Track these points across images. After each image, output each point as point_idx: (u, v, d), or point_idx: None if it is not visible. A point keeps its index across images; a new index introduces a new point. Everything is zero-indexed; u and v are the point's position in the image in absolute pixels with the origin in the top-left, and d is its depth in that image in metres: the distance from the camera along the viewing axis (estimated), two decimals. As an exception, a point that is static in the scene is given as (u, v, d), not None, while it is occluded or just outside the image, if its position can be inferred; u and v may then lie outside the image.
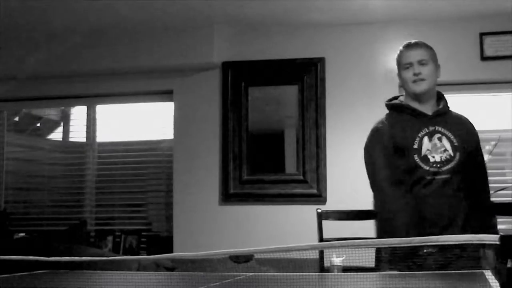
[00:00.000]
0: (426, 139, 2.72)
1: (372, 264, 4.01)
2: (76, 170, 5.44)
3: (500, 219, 3.73)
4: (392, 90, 4.76)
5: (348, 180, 4.72)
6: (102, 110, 5.49)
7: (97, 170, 5.40)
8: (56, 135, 5.87)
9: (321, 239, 4.19)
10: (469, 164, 2.78)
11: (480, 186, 2.87)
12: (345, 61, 4.82)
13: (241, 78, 4.91)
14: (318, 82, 4.80)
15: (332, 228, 4.28)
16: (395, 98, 2.97)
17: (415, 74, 2.75)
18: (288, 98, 4.85)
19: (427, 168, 2.68)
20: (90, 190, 5.37)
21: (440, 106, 2.86)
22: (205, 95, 4.96)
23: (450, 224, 2.65)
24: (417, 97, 2.79)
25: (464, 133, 2.83)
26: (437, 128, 2.76)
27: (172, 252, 4.63)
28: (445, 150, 2.72)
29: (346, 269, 3.54)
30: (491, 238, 1.50)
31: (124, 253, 5.02)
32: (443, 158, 2.70)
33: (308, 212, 4.40)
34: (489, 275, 1.82)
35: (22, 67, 5.16)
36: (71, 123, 5.75)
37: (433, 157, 2.69)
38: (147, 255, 4.96)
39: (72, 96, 5.36)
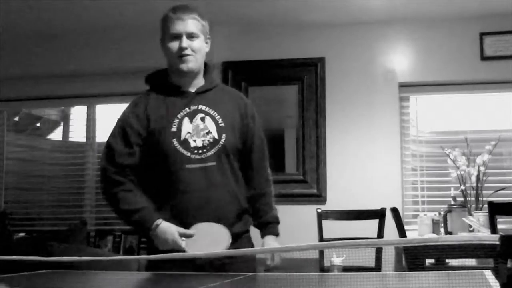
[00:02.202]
0: (186, 120, 2.36)
1: (372, 264, 4.02)
2: (76, 170, 5.44)
3: (500, 219, 3.74)
4: (392, 90, 4.77)
5: (348, 180, 4.72)
6: (102, 110, 5.49)
7: (97, 170, 5.39)
8: (56, 135, 5.87)
9: (321, 239, 4.19)
10: (241, 147, 2.43)
11: (253, 173, 2.48)
12: (345, 61, 4.82)
13: (241, 78, 4.91)
14: (318, 82, 4.80)
15: (332, 228, 4.28)
16: (159, 72, 2.63)
17: (181, 49, 2.42)
18: (288, 98, 4.86)
19: (188, 154, 2.30)
20: (90, 190, 5.37)
21: (206, 82, 2.51)
22: (205, 95, 4.95)
23: (219, 219, 2.25)
24: (182, 74, 2.44)
25: (234, 111, 2.46)
26: (200, 107, 2.39)
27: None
28: (209, 132, 2.35)
29: (346, 269, 3.54)
30: (491, 238, 1.49)
31: (124, 253, 5.02)
32: (206, 142, 2.33)
33: (308, 212, 4.40)
34: (489, 275, 1.82)
35: (22, 67, 5.16)
36: (71, 123, 5.75)
37: (194, 141, 2.33)
38: (147, 255, 4.95)
39: (72, 96, 5.36)
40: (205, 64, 2.58)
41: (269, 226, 2.42)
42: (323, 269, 3.97)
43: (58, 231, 5.04)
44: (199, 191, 2.28)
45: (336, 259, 3.54)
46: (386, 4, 4.48)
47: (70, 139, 5.74)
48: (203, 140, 2.33)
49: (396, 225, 3.87)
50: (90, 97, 5.34)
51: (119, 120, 2.53)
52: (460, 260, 3.91)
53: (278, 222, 2.45)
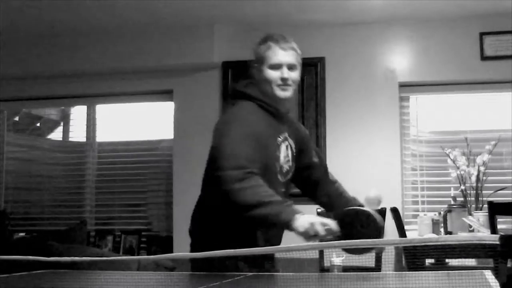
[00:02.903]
0: (283, 146, 2.40)
1: (372, 264, 4.02)
2: (76, 170, 5.44)
3: (500, 219, 3.73)
4: (392, 90, 4.77)
5: (348, 180, 4.69)
6: (102, 110, 5.49)
7: (97, 170, 5.40)
8: (56, 135, 5.87)
9: (321, 239, 4.19)
10: (301, 170, 2.52)
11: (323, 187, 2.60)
12: (345, 61, 4.82)
13: (241, 78, 4.88)
14: (318, 81, 4.80)
15: (332, 228, 4.27)
16: (252, 83, 2.49)
17: (283, 80, 2.39)
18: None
19: (281, 179, 2.39)
20: (90, 190, 5.37)
21: (287, 109, 2.50)
22: (205, 95, 4.96)
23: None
24: (279, 101, 2.40)
25: (298, 135, 2.53)
26: (286, 135, 2.44)
27: (172, 252, 4.62)
28: (289, 160, 2.43)
29: (346, 269, 3.54)
30: (491, 238, 1.49)
31: (124, 253, 5.02)
32: (286, 168, 2.42)
33: (308, 211, 4.39)
34: (489, 275, 1.82)
35: (22, 67, 5.16)
36: (71, 123, 5.75)
37: (284, 167, 2.40)
38: (147, 255, 4.96)
39: (72, 96, 5.36)
40: None
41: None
42: (323, 269, 3.97)
43: (58, 231, 5.04)
44: None
45: (336, 259, 3.54)
46: (386, 4, 4.48)
47: (70, 139, 5.74)
48: (286, 167, 2.41)
49: (396, 225, 3.87)
50: (90, 97, 5.35)
51: (238, 125, 2.34)
52: (460, 260, 3.91)
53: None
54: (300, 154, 2.51)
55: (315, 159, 2.59)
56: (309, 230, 2.08)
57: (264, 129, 2.32)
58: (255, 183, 2.14)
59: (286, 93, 2.40)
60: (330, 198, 2.58)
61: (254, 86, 2.45)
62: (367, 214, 2.12)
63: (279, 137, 2.38)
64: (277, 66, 2.41)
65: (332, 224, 2.12)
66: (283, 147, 2.38)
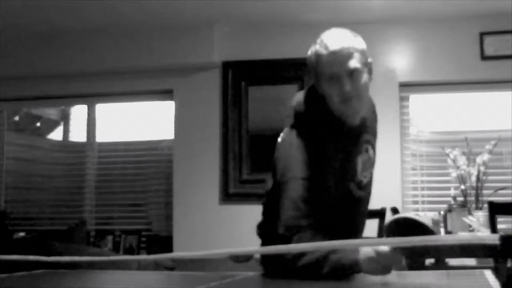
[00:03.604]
0: (359, 157, 2.10)
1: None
2: (76, 169, 5.44)
3: (500, 219, 3.73)
4: (392, 89, 4.77)
5: (348, 180, 4.71)
6: (102, 110, 5.49)
7: (97, 169, 5.40)
8: (56, 134, 5.87)
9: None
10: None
11: None
12: (345, 61, 4.81)
13: (241, 78, 4.91)
14: (318, 81, 4.80)
15: (332, 227, 4.27)
16: (310, 97, 2.11)
17: (344, 93, 1.94)
18: (288, 98, 4.77)
19: (361, 193, 2.13)
20: (90, 189, 5.37)
21: (364, 110, 2.11)
22: (205, 95, 4.96)
23: None
24: (344, 118, 2.02)
25: (375, 129, 2.28)
26: (365, 137, 2.14)
27: (172, 251, 4.62)
28: (372, 163, 2.20)
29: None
30: (491, 238, 1.49)
31: (124, 253, 5.02)
32: (369, 174, 2.18)
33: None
34: (489, 274, 1.82)
35: (22, 67, 5.16)
36: (71, 122, 5.75)
37: (365, 176, 2.13)
38: (147, 254, 4.96)
39: (72, 95, 5.36)
40: None
41: None
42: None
43: (58, 230, 5.04)
44: (360, 219, 2.17)
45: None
46: (386, 4, 4.48)
47: (70, 139, 5.75)
48: (368, 173, 2.16)
49: (396, 225, 3.87)
50: (90, 97, 5.34)
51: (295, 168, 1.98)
52: (460, 259, 3.91)
53: None
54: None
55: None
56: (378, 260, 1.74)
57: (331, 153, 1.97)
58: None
59: (354, 111, 1.99)
60: None
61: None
62: (418, 224, 1.88)
63: (353, 151, 2.06)
64: (334, 78, 1.95)
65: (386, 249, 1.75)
66: (359, 160, 2.08)
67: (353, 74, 1.93)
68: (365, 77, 1.99)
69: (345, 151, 2.02)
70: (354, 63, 1.93)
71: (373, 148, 2.19)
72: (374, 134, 2.22)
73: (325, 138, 1.98)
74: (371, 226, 4.19)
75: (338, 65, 1.92)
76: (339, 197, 1.97)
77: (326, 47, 1.96)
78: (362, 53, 1.98)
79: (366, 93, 2.06)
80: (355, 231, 2.13)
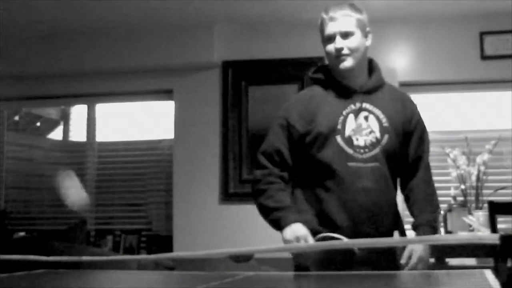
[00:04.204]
0: (351, 117, 2.34)
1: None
2: (76, 169, 5.40)
3: (500, 219, 3.74)
4: (392, 89, 4.76)
5: (348, 180, 4.71)
6: (102, 109, 5.49)
7: (97, 169, 5.40)
8: (56, 134, 5.87)
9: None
10: (403, 149, 2.40)
11: (414, 180, 2.48)
12: (345, 60, 4.81)
13: (241, 77, 4.90)
14: (318, 81, 4.80)
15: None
16: (321, 68, 2.52)
17: (337, 50, 2.35)
18: (288, 97, 4.84)
19: (351, 152, 2.29)
20: (90, 189, 5.36)
21: (371, 80, 2.46)
22: (205, 94, 4.96)
23: (376, 226, 2.31)
24: (341, 73, 2.39)
25: (399, 113, 2.41)
26: (364, 105, 2.36)
27: (172, 251, 4.62)
28: (371, 131, 2.34)
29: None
30: (491, 238, 1.49)
31: (124, 253, 5.02)
32: (368, 141, 2.31)
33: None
34: (489, 274, 1.82)
35: (22, 66, 5.16)
36: (71, 122, 5.75)
37: (357, 139, 2.31)
38: (147, 254, 4.96)
39: (72, 95, 5.35)
40: (371, 62, 2.57)
41: (419, 229, 2.42)
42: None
43: (58, 230, 5.04)
44: (361, 193, 2.29)
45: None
46: (386, 3, 4.48)
47: (70, 139, 5.74)
48: (365, 139, 2.32)
49: (396, 225, 3.87)
50: (90, 97, 5.34)
51: (280, 117, 2.47)
52: (460, 259, 3.91)
53: (432, 226, 2.40)
54: (406, 135, 2.41)
55: (411, 150, 2.44)
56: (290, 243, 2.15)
57: (314, 106, 2.36)
58: (274, 187, 2.30)
59: (344, 64, 2.36)
60: (408, 199, 2.57)
61: (321, 68, 2.49)
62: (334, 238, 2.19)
63: (345, 109, 2.34)
64: (330, 38, 2.38)
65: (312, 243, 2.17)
66: (350, 119, 2.33)
67: (346, 35, 2.36)
68: (358, 40, 2.39)
69: (335, 107, 2.35)
70: (346, 25, 2.36)
71: (380, 122, 2.36)
72: (389, 114, 2.38)
73: (323, 92, 2.41)
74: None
75: (334, 26, 2.36)
76: (323, 151, 2.31)
77: (327, 12, 2.40)
78: (359, 20, 2.40)
79: (362, 56, 2.43)
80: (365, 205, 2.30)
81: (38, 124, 6.00)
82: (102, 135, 5.48)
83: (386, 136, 2.33)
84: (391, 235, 2.37)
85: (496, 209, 3.58)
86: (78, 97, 5.39)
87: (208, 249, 1.78)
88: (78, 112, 5.66)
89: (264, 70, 4.89)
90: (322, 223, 2.29)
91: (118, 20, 4.77)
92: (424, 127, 2.49)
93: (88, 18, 4.74)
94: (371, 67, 2.53)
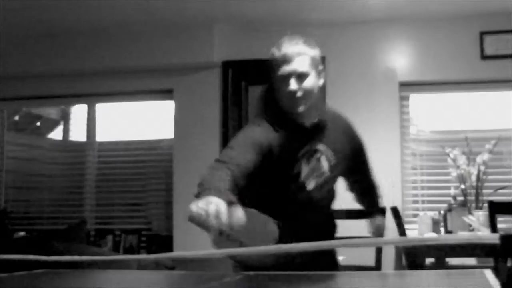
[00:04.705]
0: (304, 161, 2.22)
1: (372, 263, 4.02)
2: (76, 169, 5.44)
3: (500, 218, 3.73)
4: (392, 89, 4.77)
5: (348, 179, 4.71)
6: (102, 109, 5.49)
7: (97, 169, 5.40)
8: (56, 134, 5.87)
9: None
10: (349, 172, 2.44)
11: (364, 181, 2.62)
12: (345, 60, 4.82)
13: (241, 77, 4.90)
14: (318, 81, 4.80)
15: (332, 227, 4.28)
16: (271, 98, 2.28)
17: (291, 92, 2.15)
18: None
19: (303, 195, 2.23)
20: (90, 189, 5.37)
21: (318, 115, 2.26)
22: (205, 94, 4.96)
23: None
24: (295, 115, 2.21)
25: (344, 143, 2.36)
26: (317, 146, 2.25)
27: (172, 251, 4.62)
28: (323, 172, 2.27)
29: (346, 268, 3.53)
30: (491, 237, 1.49)
31: (124, 252, 5.02)
32: (319, 182, 2.26)
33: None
34: (489, 274, 1.82)
35: (22, 66, 5.16)
36: (71, 122, 5.75)
37: (309, 183, 2.23)
38: (147, 254, 4.96)
39: (72, 95, 5.36)
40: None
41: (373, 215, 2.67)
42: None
43: (58, 230, 5.04)
44: (304, 227, 2.26)
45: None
46: (387, 3, 4.48)
47: (70, 138, 5.75)
48: (316, 181, 2.24)
49: (396, 224, 3.87)
50: (90, 96, 5.34)
51: (246, 134, 2.20)
52: (460, 259, 3.91)
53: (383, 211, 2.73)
54: (351, 159, 2.39)
55: (356, 177, 2.56)
56: (197, 216, 1.67)
57: (271, 146, 2.14)
58: (215, 169, 1.97)
59: (299, 108, 2.17)
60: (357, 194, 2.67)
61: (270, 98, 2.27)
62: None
63: (300, 153, 2.20)
64: (284, 78, 2.17)
65: (236, 216, 1.71)
66: (304, 163, 2.21)
67: (300, 76, 2.16)
68: (313, 80, 2.18)
69: (289, 149, 2.17)
70: (301, 66, 2.17)
71: (330, 160, 2.27)
72: (334, 147, 2.29)
73: (274, 131, 2.17)
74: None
75: (286, 66, 2.17)
76: (275, 192, 2.16)
77: (279, 49, 2.25)
78: (313, 58, 2.22)
79: (315, 96, 2.21)
80: (307, 235, 2.13)
81: (38, 123, 6.00)
82: (102, 135, 5.48)
83: (334, 173, 2.32)
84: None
85: (496, 209, 3.58)
86: (78, 97, 5.39)
87: (208, 249, 1.78)
88: (78, 112, 5.66)
89: (264, 70, 4.88)
90: None
91: (118, 20, 4.77)
92: (361, 141, 2.50)
93: (88, 18, 4.74)
94: (322, 107, 2.35)
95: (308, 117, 2.22)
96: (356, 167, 2.50)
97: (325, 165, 2.26)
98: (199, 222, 1.64)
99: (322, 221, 2.38)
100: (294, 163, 2.19)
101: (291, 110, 2.19)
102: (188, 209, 1.70)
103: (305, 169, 2.21)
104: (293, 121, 2.21)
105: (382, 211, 2.76)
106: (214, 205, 1.67)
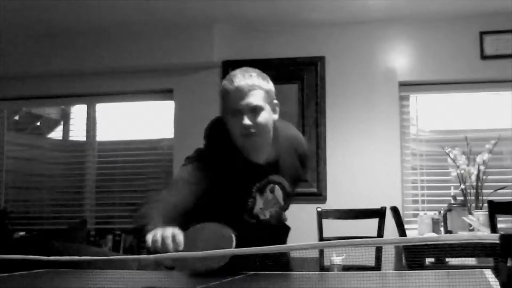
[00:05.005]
0: (258, 195, 2.16)
1: (372, 263, 4.02)
2: (76, 169, 5.44)
3: (500, 218, 3.74)
4: (392, 89, 4.78)
5: (348, 179, 4.72)
6: (102, 109, 5.49)
7: (97, 169, 5.40)
8: (56, 134, 5.87)
9: (321, 238, 4.19)
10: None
11: None
12: (345, 60, 4.82)
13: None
14: (318, 81, 4.81)
15: (332, 227, 4.29)
16: (218, 123, 2.19)
17: (244, 127, 2.04)
18: (288, 97, 4.85)
19: (254, 222, 2.18)
20: (90, 189, 5.37)
21: (273, 152, 2.17)
22: (205, 94, 4.96)
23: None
24: (248, 150, 2.12)
25: (295, 165, 2.25)
26: (270, 178, 2.17)
27: (172, 251, 4.62)
28: (277, 202, 2.21)
29: (346, 268, 3.54)
30: (491, 237, 1.49)
31: (124, 252, 5.02)
32: (272, 212, 2.21)
33: (308, 211, 4.40)
34: (489, 274, 1.82)
35: (22, 66, 5.16)
36: (71, 122, 5.75)
37: (264, 215, 2.19)
38: (147, 254, 4.95)
39: (72, 95, 5.36)
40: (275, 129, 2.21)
41: None
42: (323, 268, 3.97)
43: (58, 230, 5.04)
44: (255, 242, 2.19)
45: (336, 258, 3.55)
46: (386, 3, 4.48)
47: (70, 138, 5.74)
48: (271, 211, 2.21)
49: (396, 224, 3.87)
50: (90, 96, 5.35)
51: (201, 156, 2.26)
52: (460, 259, 3.92)
53: None
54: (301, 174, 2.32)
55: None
56: (156, 245, 1.77)
57: (224, 178, 2.09)
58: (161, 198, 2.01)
59: (252, 144, 2.08)
60: None
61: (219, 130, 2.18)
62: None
63: (253, 187, 2.14)
64: (235, 112, 2.06)
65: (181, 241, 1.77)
66: (258, 197, 2.15)
67: (254, 110, 2.04)
68: (267, 115, 2.08)
69: (242, 185, 2.11)
70: (255, 100, 2.04)
71: (285, 188, 2.20)
72: (289, 175, 2.22)
73: (226, 168, 2.10)
74: (371, 226, 4.19)
75: (240, 100, 2.04)
76: (229, 222, 1.96)
77: (231, 82, 2.07)
78: (267, 92, 2.10)
79: (269, 132, 2.12)
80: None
81: (38, 123, 5.99)
82: (102, 135, 5.48)
83: (287, 197, 2.24)
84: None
85: (496, 208, 3.58)
86: (78, 97, 5.40)
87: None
88: (78, 112, 5.66)
89: (263, 70, 4.86)
90: None
91: (118, 19, 4.78)
92: (308, 154, 2.35)
93: (88, 18, 4.74)
94: (275, 135, 2.18)
95: (262, 153, 2.13)
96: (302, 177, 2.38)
97: (278, 194, 2.20)
98: (159, 249, 1.78)
99: (274, 231, 2.26)
100: (247, 197, 2.13)
101: (243, 145, 2.09)
102: (147, 240, 1.80)
103: (259, 202, 2.16)
104: (245, 157, 2.12)
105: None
106: (169, 231, 1.77)
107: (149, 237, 1.78)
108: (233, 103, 2.06)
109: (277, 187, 2.19)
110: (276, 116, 2.17)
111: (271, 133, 2.14)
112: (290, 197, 2.26)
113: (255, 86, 2.07)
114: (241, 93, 2.04)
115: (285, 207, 2.27)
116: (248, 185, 2.14)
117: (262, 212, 2.17)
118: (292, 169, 2.24)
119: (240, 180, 2.12)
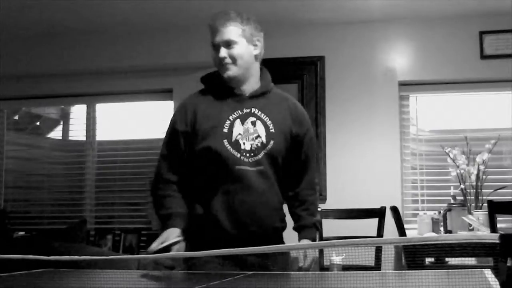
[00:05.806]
0: (238, 122, 2.36)
1: (372, 263, 4.02)
2: (76, 168, 5.44)
3: (499, 218, 3.74)
4: (392, 89, 4.78)
5: (348, 179, 4.72)
6: (102, 109, 5.49)
7: (96, 168, 5.40)
8: (56, 133, 5.87)
9: (321, 238, 4.20)
10: (289, 154, 2.42)
11: (299, 181, 2.48)
12: (345, 60, 4.82)
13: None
14: (318, 80, 4.80)
15: (332, 226, 4.29)
16: (214, 73, 2.54)
17: (220, 59, 2.41)
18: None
19: (238, 155, 2.31)
20: (89, 188, 5.37)
21: (260, 86, 2.48)
22: (205, 94, 4.95)
23: (260, 225, 2.31)
24: (227, 80, 2.41)
25: (285, 118, 2.45)
26: (252, 110, 2.39)
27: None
28: (258, 136, 2.35)
29: (345, 268, 3.54)
30: (491, 237, 1.49)
31: (124, 252, 5.02)
32: (254, 146, 2.33)
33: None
34: (489, 274, 1.82)
35: (22, 66, 5.16)
36: (71, 121, 5.75)
37: (244, 143, 2.33)
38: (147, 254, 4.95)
39: (72, 94, 5.36)
40: (262, 69, 2.56)
41: (305, 230, 2.44)
42: (323, 268, 3.98)
43: (58, 229, 5.04)
44: (246, 195, 2.31)
45: (335, 258, 3.54)
46: (386, 3, 4.48)
47: (70, 138, 5.74)
48: (251, 144, 2.34)
49: (396, 224, 3.88)
50: (90, 96, 5.35)
51: (169, 126, 2.56)
52: (460, 259, 3.92)
53: (316, 227, 2.48)
54: (292, 139, 2.44)
55: (298, 155, 2.47)
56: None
57: (200, 111, 2.39)
58: (167, 193, 2.45)
59: (228, 72, 2.38)
60: (293, 201, 2.51)
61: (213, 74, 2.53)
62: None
63: (232, 115, 2.36)
64: (215, 47, 2.44)
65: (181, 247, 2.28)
66: (237, 124, 2.34)
67: (228, 44, 2.39)
68: (242, 49, 2.40)
69: (223, 113, 2.37)
70: (229, 35, 2.40)
71: (267, 127, 2.38)
72: (274, 117, 2.41)
73: (212, 98, 2.44)
74: (371, 226, 4.20)
75: (217, 36, 2.44)
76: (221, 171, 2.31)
77: (213, 21, 2.47)
78: (244, 31, 2.43)
79: (247, 65, 2.42)
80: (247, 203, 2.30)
81: (38, 123, 6.00)
82: (102, 135, 5.48)
83: (271, 142, 2.36)
84: (277, 234, 2.41)
85: (496, 208, 3.58)
86: (78, 97, 5.39)
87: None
88: (78, 112, 5.65)
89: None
90: (208, 224, 2.31)
91: (118, 19, 4.78)
92: (312, 133, 2.57)
93: (88, 18, 4.74)
94: (262, 74, 2.54)
95: (243, 83, 2.42)
96: (297, 158, 2.47)
97: (260, 130, 2.37)
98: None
99: (266, 201, 2.34)
100: (224, 123, 2.34)
101: (222, 75, 2.40)
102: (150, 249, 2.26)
103: (238, 129, 2.34)
104: (229, 88, 2.41)
105: (318, 231, 2.53)
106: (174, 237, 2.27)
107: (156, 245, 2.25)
108: (212, 38, 2.46)
109: (259, 122, 2.38)
110: (257, 51, 2.48)
111: (252, 66, 2.45)
112: (274, 152, 2.36)
113: (230, 25, 2.42)
114: (217, 30, 2.43)
115: (270, 150, 2.35)
116: (228, 114, 2.37)
117: (241, 140, 2.33)
118: (280, 118, 2.42)
119: (222, 108, 2.38)
